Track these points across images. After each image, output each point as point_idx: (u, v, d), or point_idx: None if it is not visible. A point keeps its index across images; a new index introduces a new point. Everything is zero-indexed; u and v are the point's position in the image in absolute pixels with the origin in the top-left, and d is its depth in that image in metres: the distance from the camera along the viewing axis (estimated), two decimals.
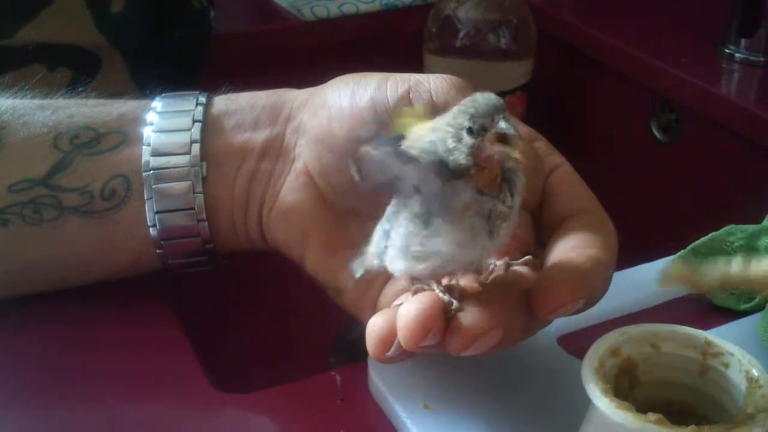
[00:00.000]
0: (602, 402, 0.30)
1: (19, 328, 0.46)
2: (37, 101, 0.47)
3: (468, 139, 0.32)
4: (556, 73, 0.92)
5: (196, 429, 0.42)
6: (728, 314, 0.48)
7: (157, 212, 0.45)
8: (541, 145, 0.42)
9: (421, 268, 0.34)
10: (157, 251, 0.45)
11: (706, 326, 0.45)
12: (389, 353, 0.35)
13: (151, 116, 0.46)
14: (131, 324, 0.46)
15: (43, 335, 0.45)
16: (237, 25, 0.88)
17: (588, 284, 0.34)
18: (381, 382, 0.41)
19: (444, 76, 0.42)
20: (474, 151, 0.32)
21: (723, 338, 0.37)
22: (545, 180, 0.40)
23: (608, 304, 0.46)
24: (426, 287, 0.34)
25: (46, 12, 0.62)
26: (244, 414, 0.42)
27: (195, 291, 0.50)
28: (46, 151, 0.45)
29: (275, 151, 0.45)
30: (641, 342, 0.33)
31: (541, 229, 0.39)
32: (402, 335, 0.33)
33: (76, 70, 0.65)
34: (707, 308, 0.49)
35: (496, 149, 0.32)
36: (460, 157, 0.32)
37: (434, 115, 0.39)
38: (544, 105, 0.88)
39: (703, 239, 0.50)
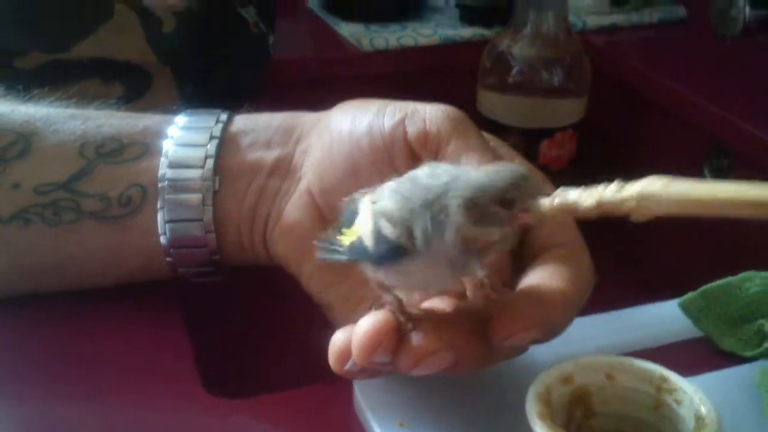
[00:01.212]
0: (537, 425, 0.30)
1: (33, 323, 0.48)
2: (70, 111, 0.50)
3: (502, 212, 0.32)
4: (609, 112, 0.91)
5: (178, 428, 0.43)
6: (734, 360, 0.47)
7: (168, 221, 0.47)
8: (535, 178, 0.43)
9: (387, 279, 0.35)
10: (167, 259, 0.47)
11: (710, 369, 0.45)
12: (346, 367, 0.36)
13: (172, 130, 0.48)
14: (139, 325, 0.48)
15: (53, 327, 0.48)
16: (297, 51, 0.91)
17: (544, 315, 0.35)
18: (362, 397, 0.42)
19: (441, 106, 0.43)
20: (506, 222, 0.32)
21: (723, 383, 0.37)
22: None
23: (609, 341, 0.46)
24: (387, 303, 0.35)
25: (104, 28, 0.66)
26: (228, 419, 0.43)
27: (207, 298, 0.52)
28: (72, 157, 0.48)
29: (284, 169, 0.47)
30: (595, 372, 0.33)
31: (523, 259, 0.40)
32: (354, 348, 0.34)
33: (128, 85, 0.68)
34: (714, 352, 0.48)
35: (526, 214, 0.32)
36: (493, 226, 0.32)
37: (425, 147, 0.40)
38: (596, 144, 0.88)
39: (716, 282, 0.49)
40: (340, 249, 0.36)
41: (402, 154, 0.42)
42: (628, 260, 0.92)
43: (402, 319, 0.34)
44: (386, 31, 0.91)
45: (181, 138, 0.48)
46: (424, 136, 0.41)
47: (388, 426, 0.40)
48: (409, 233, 0.32)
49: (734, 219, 0.32)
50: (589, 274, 0.38)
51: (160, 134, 0.49)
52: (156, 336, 0.48)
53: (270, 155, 0.47)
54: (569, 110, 0.84)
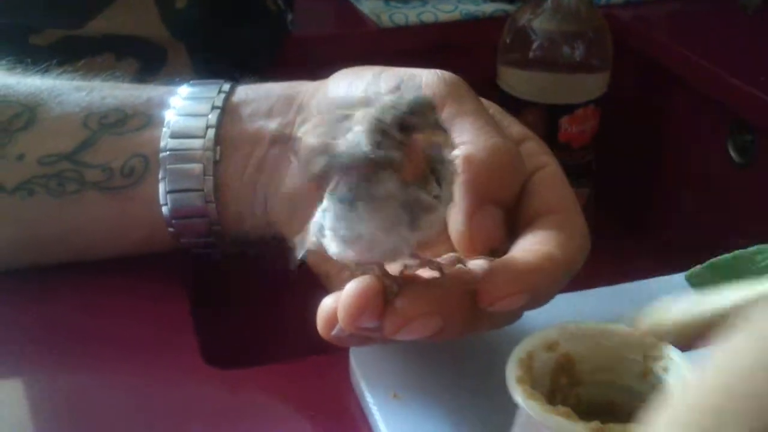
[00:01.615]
0: (515, 390, 0.29)
1: (34, 296, 0.48)
2: (75, 83, 0.50)
3: (399, 135, 0.32)
4: (633, 87, 0.89)
5: (179, 398, 0.43)
6: None
7: (169, 191, 0.47)
8: (532, 144, 0.42)
9: (348, 251, 0.34)
10: (169, 229, 0.48)
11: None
12: (333, 332, 0.36)
13: (174, 101, 0.48)
14: (141, 297, 0.49)
15: (58, 301, 0.48)
16: (317, 28, 0.90)
17: (531, 280, 0.34)
18: (357, 369, 0.42)
19: (437, 71, 0.43)
20: (402, 146, 0.32)
21: None
22: (528, 178, 0.40)
23: (613, 313, 0.45)
24: (373, 270, 0.35)
25: (117, 4, 0.66)
26: (226, 389, 0.43)
27: (210, 271, 0.52)
28: (76, 128, 0.48)
29: (285, 138, 0.47)
30: (581, 339, 0.32)
31: (517, 226, 0.39)
32: (340, 313, 0.34)
33: (142, 61, 0.69)
34: None
35: (424, 143, 0.32)
36: (388, 149, 0.32)
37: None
38: (619, 120, 0.86)
39: (724, 256, 0.48)
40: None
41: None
42: (642, 232, 0.91)
43: (387, 282, 0.34)
44: (406, 6, 0.90)
45: (183, 108, 0.48)
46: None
47: (382, 397, 0.40)
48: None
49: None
50: (582, 240, 0.37)
51: (163, 105, 0.49)
52: (157, 308, 0.48)
53: (271, 124, 0.47)
54: (591, 85, 0.83)
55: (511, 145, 0.39)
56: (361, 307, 0.34)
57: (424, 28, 0.89)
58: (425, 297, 0.34)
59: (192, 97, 0.48)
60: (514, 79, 0.84)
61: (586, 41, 0.81)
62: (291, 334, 0.50)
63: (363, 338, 0.36)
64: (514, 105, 0.84)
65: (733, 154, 0.79)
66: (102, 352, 0.45)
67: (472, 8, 0.91)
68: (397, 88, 0.42)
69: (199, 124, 0.47)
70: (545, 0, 0.81)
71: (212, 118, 0.47)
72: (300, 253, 0.38)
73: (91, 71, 0.52)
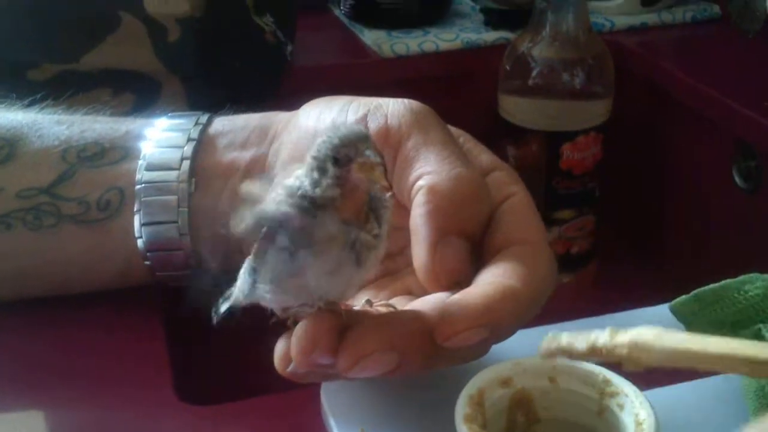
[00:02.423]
0: (461, 429, 0.28)
1: (16, 328, 0.48)
2: (57, 117, 0.51)
3: (333, 170, 0.32)
4: (638, 113, 0.88)
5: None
6: None
7: (144, 224, 0.46)
8: (501, 174, 0.41)
9: (291, 300, 0.34)
10: (145, 263, 0.47)
11: (699, 376, 0.42)
12: (289, 369, 0.35)
13: (151, 133, 0.48)
14: (119, 331, 0.48)
15: (33, 335, 0.48)
16: (318, 59, 0.90)
17: (489, 315, 0.33)
18: (326, 404, 0.41)
19: (405, 100, 0.42)
20: (339, 182, 0.32)
21: (711, 391, 0.35)
22: (496, 208, 0.39)
23: None
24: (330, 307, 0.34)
25: (111, 38, 0.66)
26: (199, 425, 0.43)
27: (187, 306, 0.52)
28: (54, 162, 0.48)
29: (259, 169, 0.46)
30: (537, 374, 0.31)
31: (484, 258, 0.38)
32: (293, 350, 0.33)
33: (138, 95, 0.69)
34: None
35: (361, 178, 0.32)
36: (326, 188, 0.32)
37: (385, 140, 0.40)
38: (623, 146, 0.85)
39: (711, 286, 0.46)
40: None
41: None
42: (646, 259, 0.89)
43: (341, 319, 0.33)
44: (408, 36, 0.90)
45: (159, 141, 0.48)
46: (386, 132, 0.40)
47: (346, 429, 0.39)
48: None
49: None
50: (547, 273, 0.36)
51: (140, 138, 0.49)
52: (133, 344, 0.48)
53: (245, 155, 0.47)
54: (593, 112, 0.82)
55: (475, 174, 0.39)
56: (314, 343, 0.33)
57: (425, 57, 0.89)
58: (379, 332, 0.33)
59: (168, 129, 0.48)
60: (514, 107, 0.84)
61: (586, 68, 0.81)
62: (266, 369, 0.49)
63: (321, 374, 0.36)
64: (515, 133, 0.84)
65: (737, 179, 0.78)
66: (74, 387, 0.45)
67: (473, 37, 0.90)
68: (364, 117, 0.41)
69: (174, 156, 0.47)
70: (544, 27, 0.81)
71: (188, 149, 0.47)
72: (223, 308, 0.38)
73: (88, 106, 0.53)
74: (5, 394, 0.45)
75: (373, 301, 0.38)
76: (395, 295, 0.41)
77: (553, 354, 0.30)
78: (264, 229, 0.33)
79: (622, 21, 0.93)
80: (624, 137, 0.86)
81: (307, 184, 0.32)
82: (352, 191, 0.32)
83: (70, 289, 0.49)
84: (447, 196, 0.37)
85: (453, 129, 0.43)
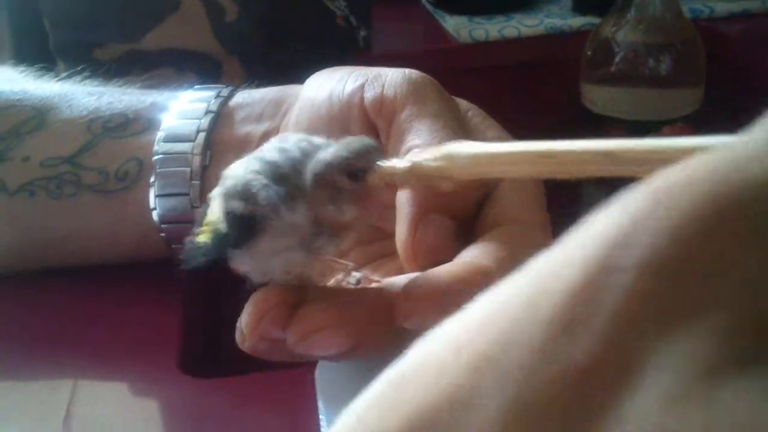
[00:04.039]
0: None
1: (31, 299, 0.49)
2: (88, 88, 0.51)
3: (349, 185, 0.30)
4: (733, 104, 0.82)
5: (150, 405, 0.42)
6: None
7: (158, 195, 0.46)
8: None
9: (252, 267, 0.32)
10: (161, 235, 0.47)
11: None
12: (245, 343, 0.33)
13: (173, 104, 0.48)
14: (134, 303, 0.48)
15: (49, 305, 0.48)
16: (398, 45, 0.89)
17: (454, 296, 0.30)
18: (320, 385, 0.39)
19: (405, 70, 0.40)
20: (357, 198, 0.30)
21: None
22: (496, 186, 0.36)
23: None
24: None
25: (172, 18, 0.67)
26: (187, 396, 0.42)
27: (203, 281, 0.51)
28: (79, 132, 0.48)
29: None
30: None
31: (474, 237, 0.35)
32: (243, 321, 0.32)
33: (200, 75, 0.69)
34: None
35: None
36: (344, 206, 0.30)
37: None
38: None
39: None
40: (202, 249, 0.33)
41: (357, 120, 0.39)
42: None
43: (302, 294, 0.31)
44: (489, 22, 0.87)
45: (180, 113, 0.47)
46: (380, 102, 0.38)
47: (336, 416, 0.37)
48: (255, 202, 0.30)
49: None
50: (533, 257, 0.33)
51: (165, 109, 0.48)
52: (146, 317, 0.47)
53: (260, 128, 0.45)
54: (681, 101, 0.77)
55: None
56: (260, 315, 0.31)
57: (505, 43, 0.86)
58: (332, 307, 0.31)
59: (191, 101, 0.48)
60: (595, 95, 0.79)
61: (673, 54, 0.75)
62: None
63: (284, 352, 0.34)
64: (596, 122, 0.79)
65: None
66: (80, 357, 0.44)
67: (558, 22, 0.86)
68: (361, 87, 0.39)
69: (192, 128, 0.46)
70: (629, 9, 0.76)
71: (204, 122, 0.46)
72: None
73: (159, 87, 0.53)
74: (21, 364, 0.45)
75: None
76: (389, 275, 0.38)
77: (378, 180, 0.29)
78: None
79: (722, 7, 0.87)
80: (716, 130, 0.79)
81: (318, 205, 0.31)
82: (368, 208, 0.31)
83: (89, 260, 0.49)
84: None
85: (462, 102, 0.40)
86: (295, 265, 0.31)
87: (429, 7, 0.95)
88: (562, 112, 0.82)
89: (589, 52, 0.79)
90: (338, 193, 0.30)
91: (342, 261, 0.35)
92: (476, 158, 0.29)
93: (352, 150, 0.30)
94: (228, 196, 0.32)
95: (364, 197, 0.31)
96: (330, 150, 0.30)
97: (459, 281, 0.30)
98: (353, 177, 0.30)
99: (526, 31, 0.86)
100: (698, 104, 0.77)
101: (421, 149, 0.30)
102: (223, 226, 0.32)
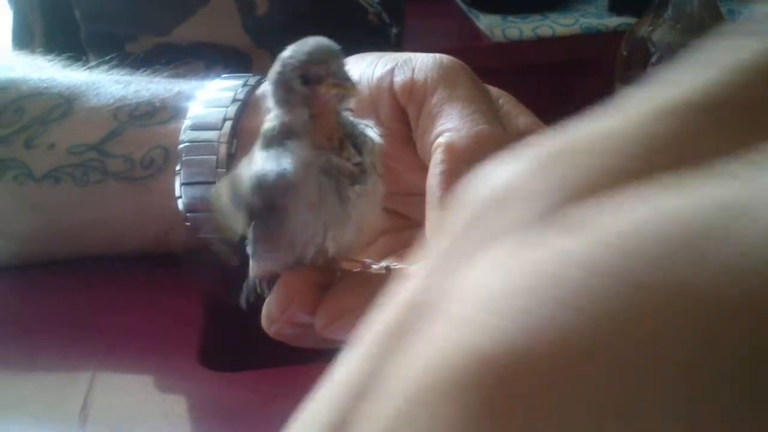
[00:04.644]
0: None
1: (65, 285, 0.48)
2: (116, 77, 0.50)
3: (302, 89, 0.29)
4: None
5: (169, 398, 0.42)
6: None
7: (184, 184, 0.45)
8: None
9: (284, 257, 0.31)
10: (186, 224, 0.46)
11: None
12: (272, 328, 0.32)
13: (201, 93, 0.47)
14: (156, 293, 0.47)
15: (71, 294, 0.48)
16: (430, 43, 0.88)
17: None
18: None
19: (436, 55, 0.39)
20: (308, 102, 0.29)
21: None
22: None
23: None
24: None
25: (202, 11, 0.66)
26: (207, 389, 0.41)
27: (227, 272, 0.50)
28: (106, 120, 0.48)
29: None
30: None
31: None
32: (270, 304, 0.31)
33: (229, 68, 0.68)
34: None
35: (330, 93, 0.28)
36: (293, 106, 0.29)
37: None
38: None
39: None
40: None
41: (386, 104, 0.38)
42: None
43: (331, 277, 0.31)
44: (523, 21, 0.86)
45: (207, 101, 0.47)
46: (411, 86, 0.37)
47: None
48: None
49: None
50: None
51: (191, 98, 0.48)
52: (169, 305, 0.47)
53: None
54: None
55: (499, 132, 0.35)
56: (289, 298, 0.30)
57: (539, 43, 0.85)
58: (361, 289, 0.30)
59: (218, 90, 0.47)
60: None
61: None
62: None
63: (312, 338, 0.33)
64: None
65: None
66: (99, 347, 0.44)
67: (594, 22, 0.85)
68: (391, 71, 0.38)
69: (218, 116, 0.46)
70: (666, 9, 0.74)
71: (231, 110, 0.46)
72: (245, 295, 0.36)
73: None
74: (40, 353, 0.45)
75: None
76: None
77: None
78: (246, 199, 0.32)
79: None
80: None
81: (272, 106, 0.30)
82: (321, 113, 0.29)
83: (114, 249, 0.48)
84: (464, 155, 0.34)
85: (493, 89, 0.40)
86: (341, 219, 0.30)
87: (462, 5, 0.94)
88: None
89: (625, 53, 0.77)
90: (291, 94, 0.30)
91: (362, 259, 0.34)
92: None
93: (307, 52, 0.30)
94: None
95: (315, 105, 0.30)
96: (289, 49, 0.30)
97: None
98: (305, 81, 0.30)
99: (561, 31, 0.84)
100: None
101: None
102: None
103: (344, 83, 0.29)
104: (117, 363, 0.43)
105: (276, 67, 0.30)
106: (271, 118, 0.31)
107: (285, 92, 0.30)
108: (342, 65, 0.29)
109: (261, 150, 0.30)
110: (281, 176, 0.29)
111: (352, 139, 0.30)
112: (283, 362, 0.43)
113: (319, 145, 0.29)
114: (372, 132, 0.31)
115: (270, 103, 0.31)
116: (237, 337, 0.49)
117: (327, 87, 0.29)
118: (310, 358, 0.41)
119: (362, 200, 0.30)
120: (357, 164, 0.30)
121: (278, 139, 0.29)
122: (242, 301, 0.36)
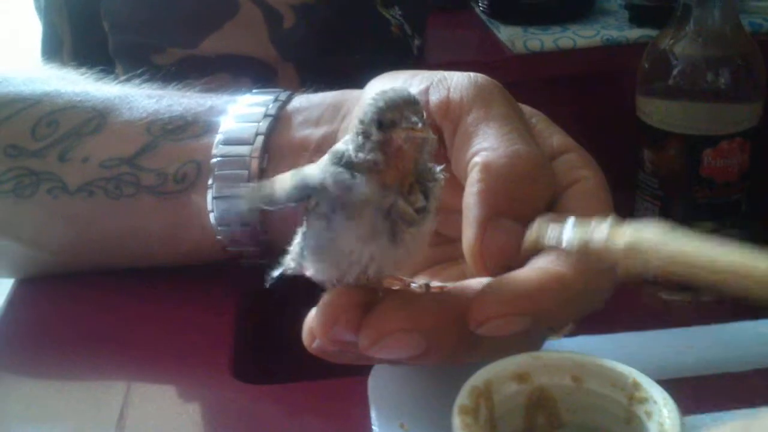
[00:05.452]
0: (453, 419, 0.25)
1: (100, 298, 0.49)
2: (148, 91, 0.51)
3: (376, 134, 0.30)
4: None
5: (199, 408, 0.42)
6: None
7: (215, 198, 0.46)
8: (572, 156, 0.37)
9: (330, 270, 0.32)
10: (217, 237, 0.47)
11: None
12: (314, 345, 0.33)
13: (233, 108, 0.48)
14: (191, 305, 0.48)
15: (106, 306, 0.48)
16: (451, 55, 0.88)
17: (529, 302, 0.29)
18: (373, 394, 0.39)
19: (471, 74, 0.39)
20: (382, 146, 0.30)
21: None
22: (562, 192, 0.36)
23: (713, 356, 0.40)
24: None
25: (230, 24, 0.67)
26: (240, 402, 0.42)
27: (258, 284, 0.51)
28: (139, 134, 0.49)
29: (329, 146, 0.44)
30: (558, 371, 0.27)
31: None
32: (314, 323, 0.32)
33: (255, 81, 0.69)
34: None
35: (407, 145, 0.30)
36: (368, 151, 0.30)
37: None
38: None
39: None
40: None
41: None
42: None
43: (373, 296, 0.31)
44: (545, 33, 0.86)
45: (238, 116, 0.48)
46: (446, 105, 0.38)
47: (389, 426, 0.37)
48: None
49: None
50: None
51: (223, 113, 0.48)
52: (202, 320, 0.47)
53: (317, 132, 0.46)
54: (738, 117, 0.75)
55: (535, 152, 0.35)
56: (334, 317, 0.31)
57: (560, 54, 0.85)
58: (404, 310, 0.31)
59: (250, 105, 0.48)
60: (652, 108, 0.78)
61: (732, 67, 0.74)
62: None
63: (352, 355, 0.33)
64: (652, 136, 0.78)
65: None
66: (134, 359, 0.45)
67: (615, 34, 0.85)
68: (426, 90, 0.39)
69: (250, 131, 0.47)
70: (688, 22, 0.75)
71: (263, 125, 0.46)
72: (275, 273, 0.36)
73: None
74: (76, 365, 0.45)
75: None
76: (450, 281, 0.38)
77: (534, 245, 0.27)
78: (306, 197, 0.33)
79: None
80: None
81: (351, 148, 0.31)
82: (396, 157, 0.30)
83: (147, 261, 0.49)
84: (502, 174, 0.34)
85: (526, 108, 0.40)
86: (388, 254, 0.31)
87: (483, 17, 0.95)
88: (617, 125, 0.81)
89: (646, 65, 0.77)
90: (367, 139, 0.31)
91: (401, 277, 0.34)
92: (673, 258, 0.26)
93: (384, 99, 0.31)
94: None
95: (390, 150, 0.31)
96: (370, 96, 0.32)
97: (536, 288, 0.30)
98: (380, 126, 0.30)
99: (582, 43, 0.85)
100: (757, 120, 0.75)
101: (605, 226, 0.28)
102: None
103: (417, 128, 0.30)
104: (151, 375, 0.44)
105: (359, 114, 0.31)
106: (346, 140, 0.32)
107: (363, 137, 0.31)
108: (419, 112, 0.30)
109: (331, 165, 0.31)
110: (348, 189, 0.30)
111: (423, 184, 0.31)
112: (313, 376, 0.43)
113: (388, 185, 0.30)
114: (438, 174, 0.32)
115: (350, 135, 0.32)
116: (268, 350, 0.50)
117: (400, 132, 0.30)
118: (339, 373, 0.42)
119: (415, 240, 0.31)
120: (420, 209, 0.31)
121: (348, 166, 0.31)
122: (268, 281, 0.37)
